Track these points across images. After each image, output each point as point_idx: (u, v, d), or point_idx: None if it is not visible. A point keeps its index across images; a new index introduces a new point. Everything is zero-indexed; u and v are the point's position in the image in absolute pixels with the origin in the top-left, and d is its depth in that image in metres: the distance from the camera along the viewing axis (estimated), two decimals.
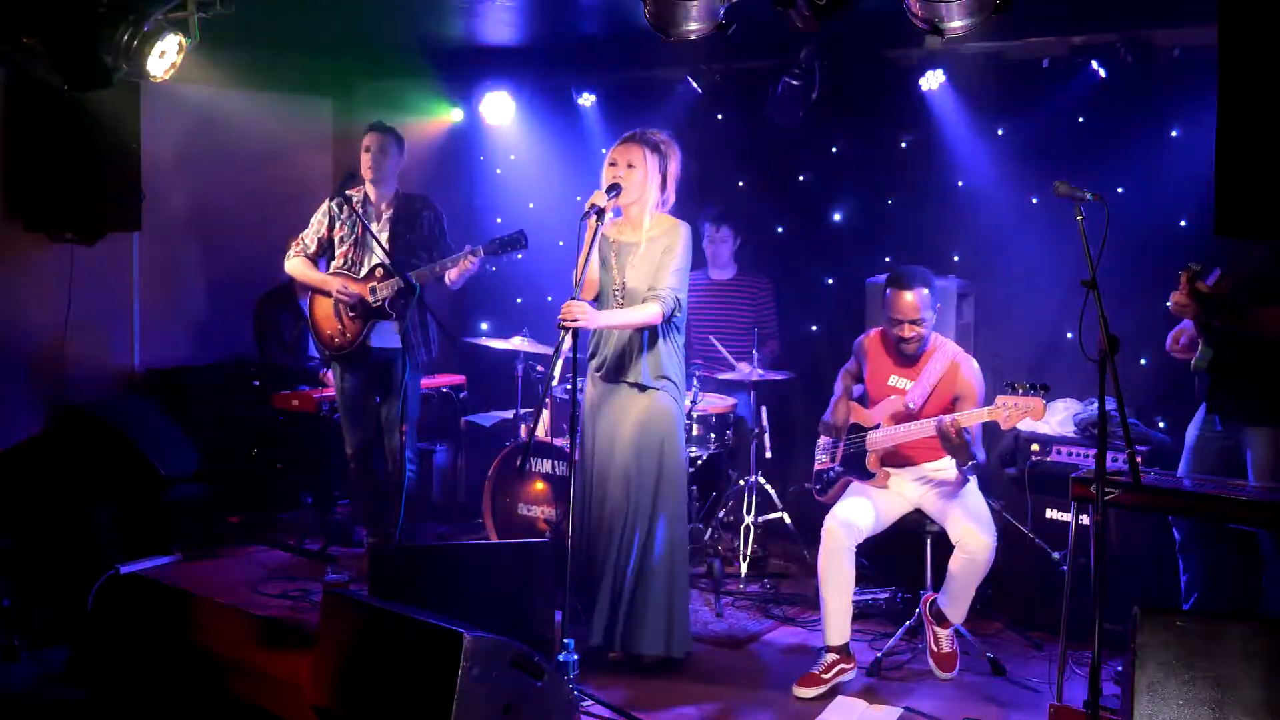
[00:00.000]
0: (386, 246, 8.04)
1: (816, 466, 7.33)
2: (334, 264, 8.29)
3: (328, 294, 8.22)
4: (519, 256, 7.92)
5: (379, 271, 8.11)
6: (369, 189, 8.25)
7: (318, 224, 8.34)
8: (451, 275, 7.95)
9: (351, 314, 8.18)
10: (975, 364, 6.87)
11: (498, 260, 7.96)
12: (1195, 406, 6.71)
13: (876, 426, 6.95)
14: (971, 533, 6.49)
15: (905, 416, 6.84)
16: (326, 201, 8.38)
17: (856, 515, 6.71)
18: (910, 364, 6.95)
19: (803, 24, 6.14)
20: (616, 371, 6.69)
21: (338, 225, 8.29)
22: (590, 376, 6.84)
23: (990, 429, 6.86)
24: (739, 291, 9.25)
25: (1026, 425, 7.60)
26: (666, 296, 6.52)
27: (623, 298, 6.67)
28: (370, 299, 8.08)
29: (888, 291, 6.87)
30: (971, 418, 6.43)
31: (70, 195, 8.90)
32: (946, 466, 6.91)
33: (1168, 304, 6.27)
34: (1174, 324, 6.56)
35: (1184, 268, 6.13)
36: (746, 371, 8.51)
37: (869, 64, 9.01)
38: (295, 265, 8.37)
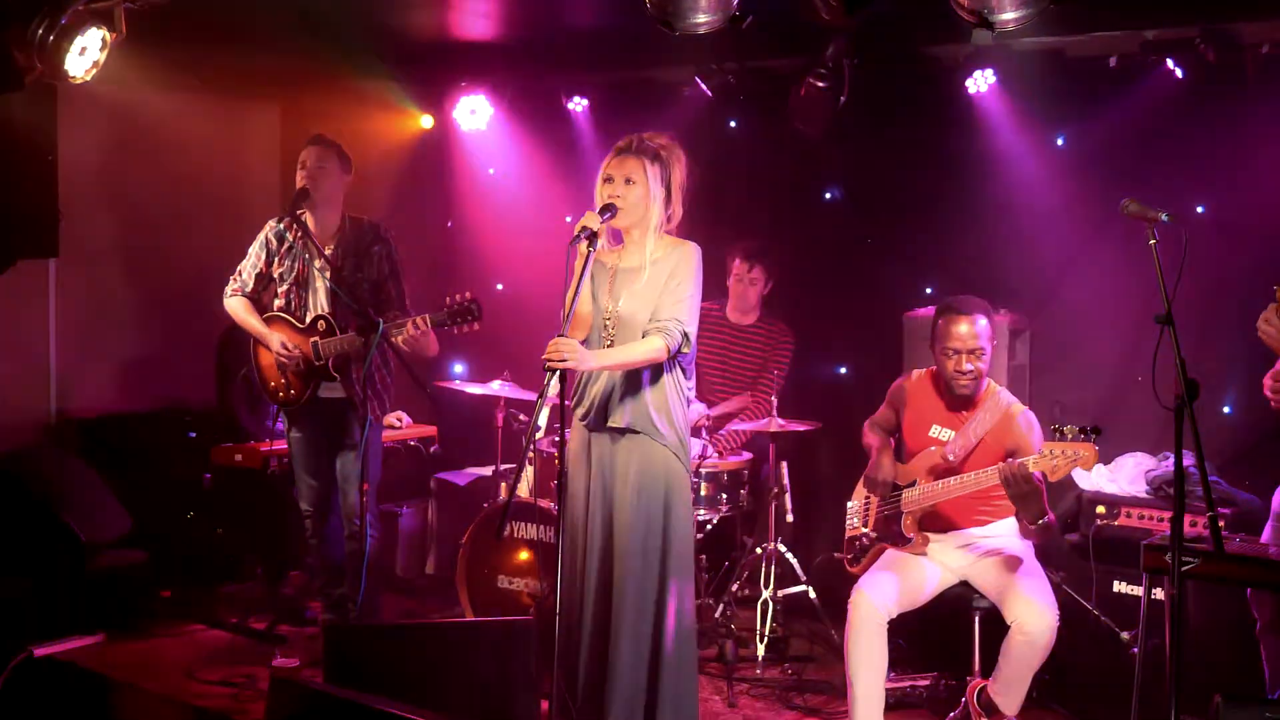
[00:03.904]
0: (330, 287, 8.04)
1: (848, 533, 7.33)
2: (276, 302, 8.28)
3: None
4: (475, 327, 7.79)
5: (321, 324, 8.09)
6: (308, 215, 8.18)
7: (255, 258, 8.30)
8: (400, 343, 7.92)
9: (295, 372, 8.20)
10: (1033, 416, 6.84)
11: (447, 331, 7.78)
12: None
13: (912, 484, 6.96)
14: (1030, 609, 6.45)
15: (945, 472, 6.83)
16: (265, 229, 8.33)
17: (888, 586, 6.71)
18: (960, 409, 6.96)
19: (830, 16, 6.19)
20: (604, 416, 6.54)
21: (276, 260, 8.25)
22: (575, 426, 6.72)
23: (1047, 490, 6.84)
24: (755, 339, 9.28)
25: (1089, 483, 7.65)
26: (671, 329, 6.33)
27: (614, 328, 6.54)
28: (314, 359, 8.09)
29: (939, 322, 6.89)
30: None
31: None
32: (998, 532, 6.91)
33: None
34: (1270, 360, 6.44)
35: None
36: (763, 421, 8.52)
37: (907, 63, 9.04)
38: (234, 306, 8.33)
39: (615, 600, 6.48)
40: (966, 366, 6.82)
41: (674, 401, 6.53)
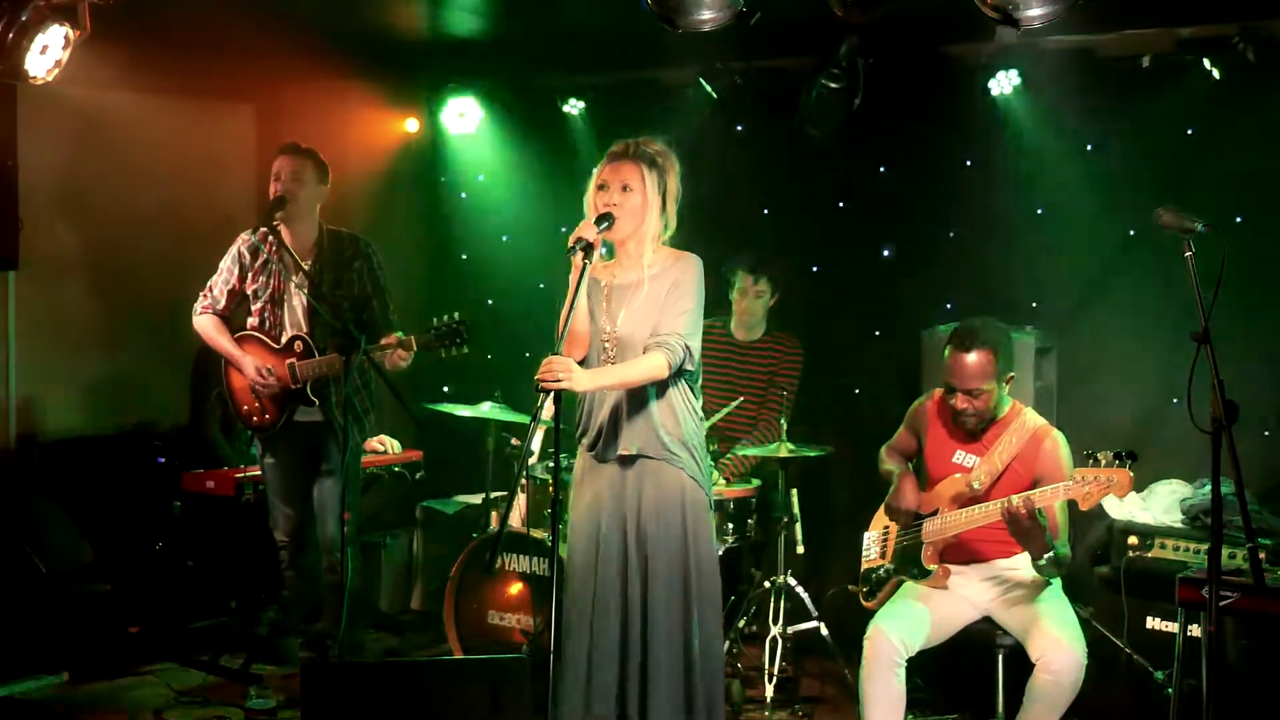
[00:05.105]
0: (308, 303, 8.03)
1: (864, 564, 7.32)
2: (249, 320, 8.25)
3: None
4: (464, 351, 7.74)
5: (298, 345, 8.07)
6: (283, 228, 8.12)
7: (227, 272, 8.27)
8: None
9: (269, 396, 8.17)
10: (1063, 440, 6.81)
11: (433, 353, 7.72)
12: None
13: (935, 512, 6.94)
14: (1056, 646, 6.42)
15: (969, 500, 6.80)
16: (237, 242, 8.29)
17: (906, 622, 6.68)
18: (980, 438, 6.95)
19: (844, 13, 6.20)
20: (613, 443, 6.43)
21: (250, 275, 8.22)
22: (580, 454, 6.66)
23: (1076, 519, 6.82)
24: (762, 356, 9.24)
25: (1121, 512, 7.63)
26: (673, 343, 6.24)
27: (614, 350, 6.45)
28: (291, 382, 8.07)
29: (947, 350, 6.85)
30: (1044, 496, 6.34)
31: None
32: (1024, 565, 6.87)
33: None
34: None
35: None
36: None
37: (926, 62, 9.04)
38: (204, 325, 8.30)
39: (634, 634, 6.40)
40: (964, 406, 6.80)
41: (685, 422, 6.44)
